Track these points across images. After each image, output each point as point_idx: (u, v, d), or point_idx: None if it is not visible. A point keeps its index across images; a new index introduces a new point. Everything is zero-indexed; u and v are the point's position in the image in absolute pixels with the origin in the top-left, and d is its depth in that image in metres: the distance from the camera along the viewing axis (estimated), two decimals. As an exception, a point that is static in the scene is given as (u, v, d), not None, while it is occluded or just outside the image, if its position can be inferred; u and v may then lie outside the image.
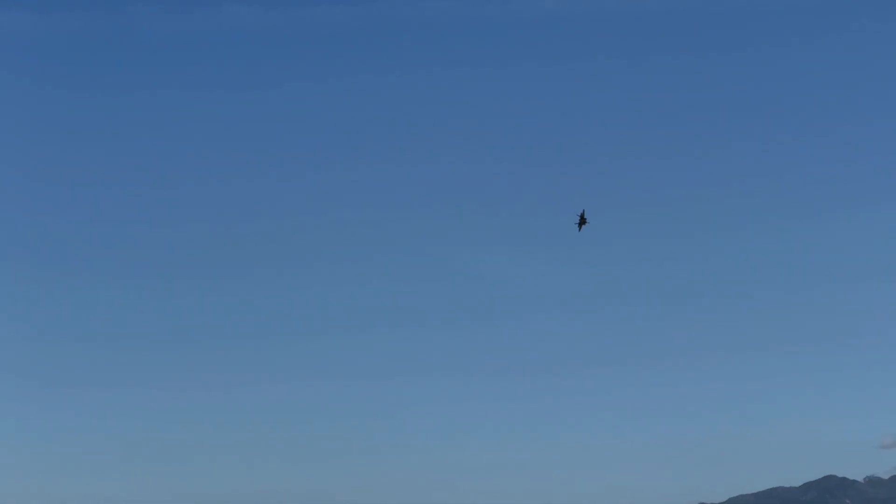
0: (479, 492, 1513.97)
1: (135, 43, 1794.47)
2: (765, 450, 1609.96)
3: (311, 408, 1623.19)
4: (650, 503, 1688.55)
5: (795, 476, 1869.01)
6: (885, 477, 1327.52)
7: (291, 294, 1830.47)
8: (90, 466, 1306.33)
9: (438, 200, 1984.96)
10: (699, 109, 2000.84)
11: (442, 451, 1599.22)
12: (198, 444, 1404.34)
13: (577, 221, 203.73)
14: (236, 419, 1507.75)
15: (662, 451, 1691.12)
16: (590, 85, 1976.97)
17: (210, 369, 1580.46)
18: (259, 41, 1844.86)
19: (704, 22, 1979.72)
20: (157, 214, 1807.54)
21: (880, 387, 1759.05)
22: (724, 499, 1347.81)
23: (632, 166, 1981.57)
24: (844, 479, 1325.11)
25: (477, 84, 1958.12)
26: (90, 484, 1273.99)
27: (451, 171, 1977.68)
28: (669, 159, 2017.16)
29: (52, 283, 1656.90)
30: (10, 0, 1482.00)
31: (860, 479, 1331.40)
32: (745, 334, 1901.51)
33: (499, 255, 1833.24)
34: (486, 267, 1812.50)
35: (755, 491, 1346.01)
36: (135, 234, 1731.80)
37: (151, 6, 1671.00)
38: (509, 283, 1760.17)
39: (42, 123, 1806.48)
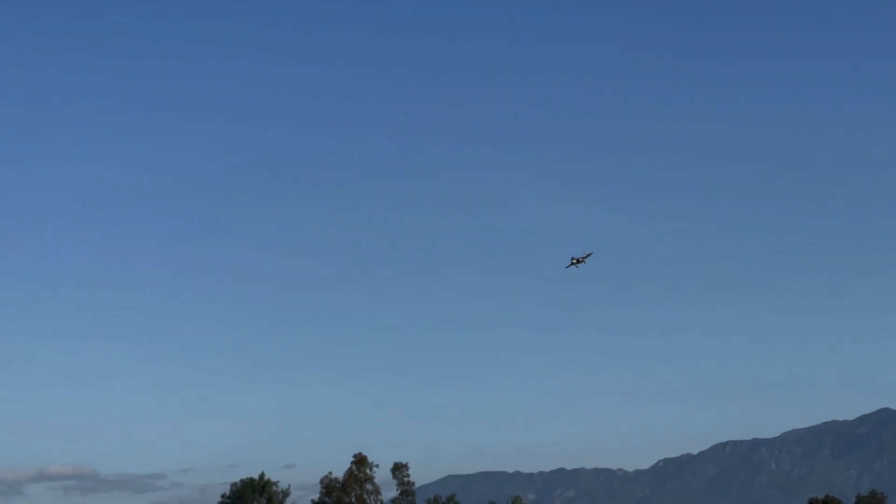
0: (515, 421, 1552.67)
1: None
2: (819, 384, 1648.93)
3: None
4: (705, 440, 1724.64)
5: (850, 409, 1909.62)
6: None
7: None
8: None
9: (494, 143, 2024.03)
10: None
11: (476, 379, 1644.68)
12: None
13: (580, 257, 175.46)
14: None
15: (717, 389, 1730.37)
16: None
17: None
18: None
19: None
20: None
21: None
22: (778, 434, 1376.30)
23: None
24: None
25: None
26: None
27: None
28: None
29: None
30: None
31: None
32: (797, 270, 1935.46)
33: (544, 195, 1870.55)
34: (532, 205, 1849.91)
35: (810, 425, 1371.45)
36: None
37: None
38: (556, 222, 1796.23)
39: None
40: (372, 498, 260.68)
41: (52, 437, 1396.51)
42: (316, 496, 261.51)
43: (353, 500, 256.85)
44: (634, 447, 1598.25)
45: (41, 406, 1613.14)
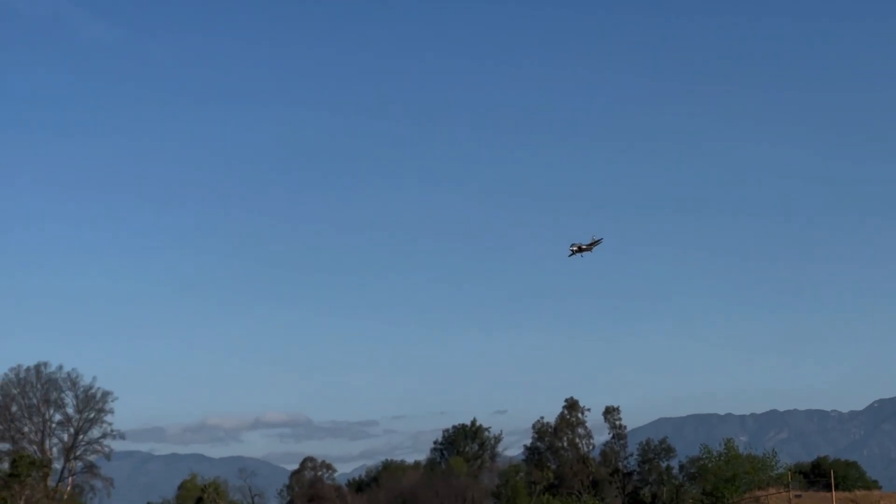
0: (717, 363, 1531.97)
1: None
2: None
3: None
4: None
5: None
6: None
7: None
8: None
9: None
10: None
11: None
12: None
13: (583, 244, 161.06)
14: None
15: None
16: None
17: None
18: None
19: None
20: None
21: None
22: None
23: None
24: None
25: None
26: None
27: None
28: None
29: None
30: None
31: None
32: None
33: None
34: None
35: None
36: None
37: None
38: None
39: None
40: (584, 442, 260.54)
41: (268, 386, 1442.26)
42: (528, 441, 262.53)
43: (565, 444, 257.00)
44: (849, 388, 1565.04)
45: (258, 356, 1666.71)
